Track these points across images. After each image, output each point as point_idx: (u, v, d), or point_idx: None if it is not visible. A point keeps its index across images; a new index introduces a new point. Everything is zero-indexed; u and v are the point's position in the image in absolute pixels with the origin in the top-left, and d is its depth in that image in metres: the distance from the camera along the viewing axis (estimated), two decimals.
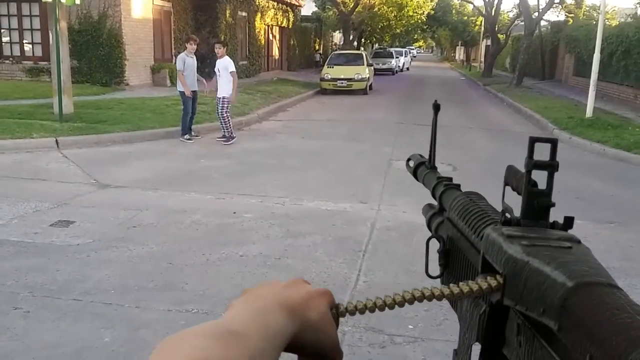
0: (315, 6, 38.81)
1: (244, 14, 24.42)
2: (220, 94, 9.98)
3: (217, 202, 6.17)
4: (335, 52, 25.17)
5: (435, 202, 0.74)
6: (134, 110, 11.72)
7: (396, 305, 0.51)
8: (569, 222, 0.52)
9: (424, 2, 39.95)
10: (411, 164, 0.81)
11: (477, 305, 0.54)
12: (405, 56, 43.62)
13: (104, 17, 16.24)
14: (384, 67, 34.08)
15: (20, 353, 3.11)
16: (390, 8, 35.73)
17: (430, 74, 38.86)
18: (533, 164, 0.51)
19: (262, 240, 5.01)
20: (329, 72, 20.76)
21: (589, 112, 13.29)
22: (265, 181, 7.15)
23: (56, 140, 8.78)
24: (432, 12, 45.47)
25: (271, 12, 28.46)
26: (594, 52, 13.43)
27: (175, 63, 19.46)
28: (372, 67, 23.14)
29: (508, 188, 0.56)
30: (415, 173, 0.80)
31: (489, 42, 36.76)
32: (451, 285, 0.49)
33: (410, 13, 37.78)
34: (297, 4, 32.32)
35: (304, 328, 0.49)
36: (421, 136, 11.43)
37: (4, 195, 6.09)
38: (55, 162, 7.92)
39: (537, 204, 0.52)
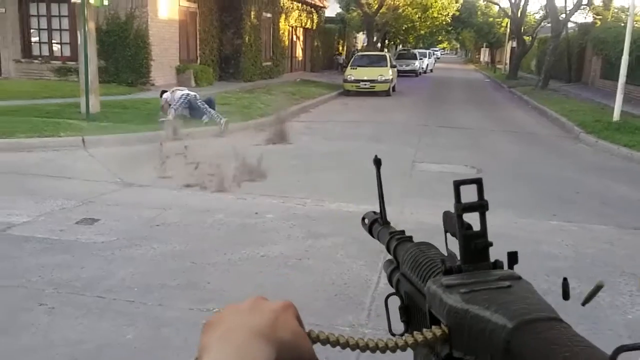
0: (340, 7, 38.81)
1: (268, 15, 24.53)
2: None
3: (239, 202, 6.20)
4: (359, 54, 25.14)
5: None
6: (159, 110, 11.84)
7: (348, 348, 0.49)
8: (512, 258, 0.52)
9: (449, 4, 39.70)
10: (366, 221, 0.80)
11: None
12: (429, 58, 43.38)
13: (131, 18, 16.46)
14: (408, 68, 33.91)
15: (44, 348, 3.17)
16: (415, 9, 35.60)
17: (454, 76, 38.58)
18: (462, 207, 0.51)
19: (283, 241, 5.02)
20: (352, 73, 20.74)
21: (616, 116, 13.07)
22: (287, 182, 7.17)
23: (82, 139, 8.92)
24: (457, 13, 45.14)
25: (295, 14, 28.55)
26: (622, 55, 13.21)
27: (199, 64, 19.66)
28: (395, 69, 23.06)
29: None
30: (370, 230, 0.78)
31: (514, 44, 36.37)
32: (398, 337, 0.49)
33: (435, 14, 37.59)
34: (321, 5, 32.37)
35: (281, 349, 0.48)
36: (445, 138, 11.37)
37: (31, 193, 6.20)
38: (81, 160, 8.05)
39: (475, 246, 0.51)
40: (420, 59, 37.91)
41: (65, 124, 9.70)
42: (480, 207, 0.51)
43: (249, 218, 5.68)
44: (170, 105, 11.01)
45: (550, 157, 9.89)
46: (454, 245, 0.54)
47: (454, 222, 0.52)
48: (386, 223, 0.76)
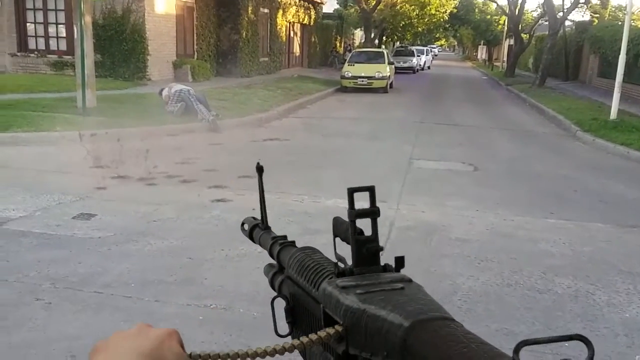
0: (337, 3, 38.75)
1: (265, 10, 24.48)
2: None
3: (236, 198, 6.19)
4: (356, 50, 25.11)
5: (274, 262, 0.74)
6: (156, 105, 11.81)
7: (258, 357, 0.51)
8: (399, 262, 0.55)
9: (447, 1, 39.67)
10: (246, 227, 0.82)
11: (326, 359, 0.56)
12: (426, 55, 43.35)
13: (128, 12, 16.39)
14: (405, 65, 33.90)
15: (41, 343, 3.16)
16: (412, 6, 35.55)
17: (451, 73, 38.59)
18: (355, 214, 0.53)
19: None
20: (350, 69, 20.72)
21: (613, 114, 13.09)
22: (284, 178, 7.16)
23: (79, 134, 8.89)
24: (455, 10, 45.09)
25: (293, 9, 28.48)
26: (619, 53, 13.23)
27: (196, 59, 19.61)
28: (393, 66, 23.05)
29: (338, 239, 0.57)
30: (251, 236, 0.80)
31: (511, 42, 36.41)
32: (296, 339, 0.51)
33: (433, 11, 37.55)
34: (319, 1, 32.31)
35: None
36: (442, 136, 11.37)
37: (28, 188, 6.18)
38: (77, 155, 8.02)
39: (367, 251, 0.54)
40: (418, 56, 37.88)
41: (61, 118, 9.66)
42: (372, 213, 0.54)
43: (246, 214, 5.64)
44: (169, 100, 11.02)
45: (547, 155, 9.90)
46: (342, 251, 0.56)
47: (344, 228, 0.55)
48: (267, 228, 0.79)
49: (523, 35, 33.22)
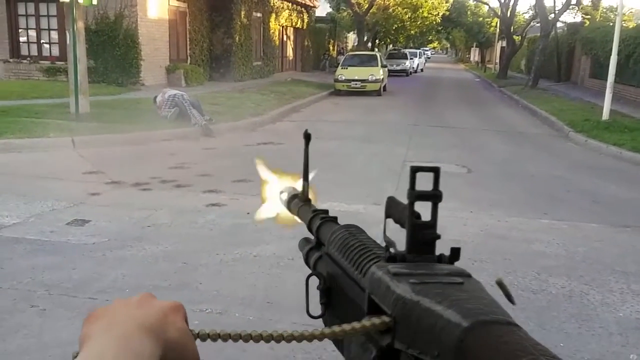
0: (330, 7, 38.83)
1: (258, 14, 24.50)
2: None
3: (230, 202, 6.19)
4: (350, 53, 25.17)
5: (311, 236, 0.69)
6: (150, 110, 11.80)
7: (273, 341, 0.47)
8: (455, 254, 0.50)
9: (439, 3, 39.83)
10: (283, 196, 0.77)
11: (367, 350, 0.50)
12: (419, 57, 43.49)
13: (121, 17, 16.37)
14: (398, 68, 34.00)
15: (37, 350, 3.15)
16: (405, 9, 35.68)
17: (444, 76, 38.70)
18: (416, 195, 0.48)
19: (276, 241, 5.02)
20: (343, 73, 20.76)
21: (605, 115, 13.17)
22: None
23: (72, 140, 8.86)
24: (447, 13, 45.30)
25: (286, 13, 28.52)
26: (610, 54, 13.31)
27: (189, 64, 19.61)
28: (386, 69, 23.11)
29: (390, 220, 0.52)
30: (289, 206, 0.75)
31: (504, 44, 36.55)
32: (336, 326, 0.46)
33: (425, 14, 37.69)
34: (312, 4, 32.36)
35: (167, 347, 0.47)
36: (435, 138, 11.40)
37: (21, 194, 6.16)
38: (71, 161, 8.00)
39: (422, 237, 0.49)
40: (411, 58, 38.01)
41: (54, 124, 9.64)
42: (434, 197, 0.49)
43: (240, 218, 5.66)
44: (163, 105, 11.03)
45: (540, 156, 9.94)
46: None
47: (400, 209, 0.50)
48: (307, 200, 0.73)
49: (515, 37, 33.38)
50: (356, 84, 20.27)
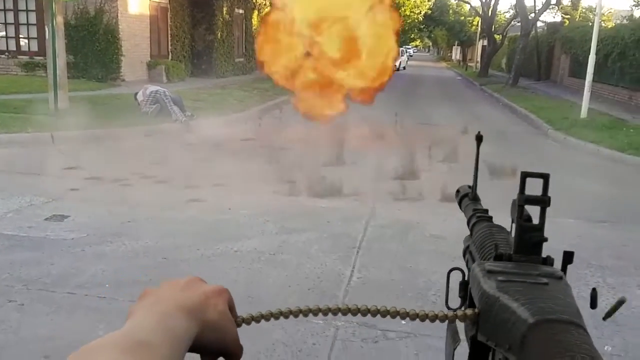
0: None
1: (240, 11, 24.39)
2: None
3: (211, 198, 6.17)
4: None
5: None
6: (130, 106, 11.70)
7: (370, 313, 0.52)
8: (568, 257, 0.53)
9: (421, 2, 40.06)
10: (459, 195, 0.82)
11: (456, 340, 0.56)
12: (402, 55, 43.61)
13: (101, 12, 16.21)
14: None
15: (15, 345, 3.12)
16: None
17: (426, 74, 38.89)
18: (524, 199, 0.52)
19: (257, 236, 5.02)
20: None
21: (583, 113, 13.34)
22: (262, 177, 7.16)
23: (51, 135, 8.76)
24: (429, 11, 45.52)
25: (268, 9, 28.43)
26: (589, 54, 13.49)
27: (171, 60, 19.46)
28: None
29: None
30: (460, 204, 0.80)
31: (485, 43, 36.82)
32: (418, 310, 0.51)
33: (407, 12, 37.87)
34: None
35: (205, 328, 0.50)
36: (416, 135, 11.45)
37: None
38: (50, 156, 7.91)
39: (529, 239, 0.53)
40: None
41: (33, 119, 9.52)
42: (542, 201, 0.52)
43: (222, 214, 5.66)
44: (144, 101, 10.98)
45: (519, 153, 10.05)
46: None
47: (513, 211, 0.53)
48: (475, 199, 0.77)
49: (496, 36, 33.66)
50: None
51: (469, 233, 0.71)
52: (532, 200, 0.52)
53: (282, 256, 4.59)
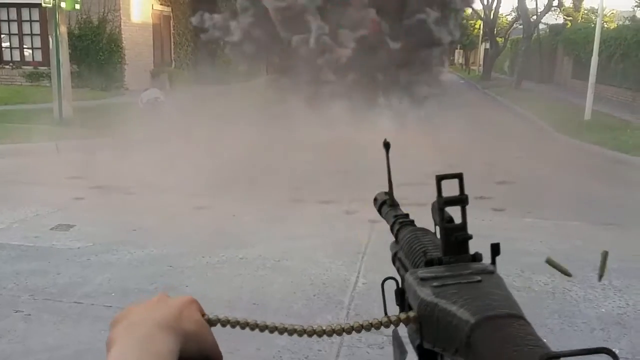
0: None
1: None
2: None
3: (216, 206, 6.19)
4: None
5: None
6: (134, 114, 11.74)
7: (305, 335, 0.51)
8: (495, 250, 0.55)
9: None
10: (377, 202, 0.80)
11: (403, 352, 0.56)
12: None
13: (104, 22, 16.30)
14: None
15: (22, 355, 3.13)
16: None
17: None
18: (443, 201, 0.53)
19: (262, 243, 5.03)
20: None
21: (587, 115, 13.32)
22: (265, 183, 7.17)
23: (56, 145, 8.81)
24: None
25: None
26: (592, 55, 13.48)
27: (174, 67, 19.53)
28: None
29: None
30: (380, 211, 0.79)
31: (487, 46, 36.82)
32: (358, 321, 0.51)
33: None
34: None
35: (186, 340, 0.50)
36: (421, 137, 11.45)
37: (5, 200, 6.11)
38: (55, 166, 7.94)
39: (455, 239, 0.53)
40: None
41: (38, 129, 9.57)
42: (461, 201, 0.53)
43: (226, 221, 5.67)
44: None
45: (523, 156, 10.03)
46: None
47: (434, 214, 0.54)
48: (394, 204, 0.76)
49: (498, 39, 33.66)
50: None
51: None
52: (452, 202, 0.53)
53: (287, 262, 4.60)
